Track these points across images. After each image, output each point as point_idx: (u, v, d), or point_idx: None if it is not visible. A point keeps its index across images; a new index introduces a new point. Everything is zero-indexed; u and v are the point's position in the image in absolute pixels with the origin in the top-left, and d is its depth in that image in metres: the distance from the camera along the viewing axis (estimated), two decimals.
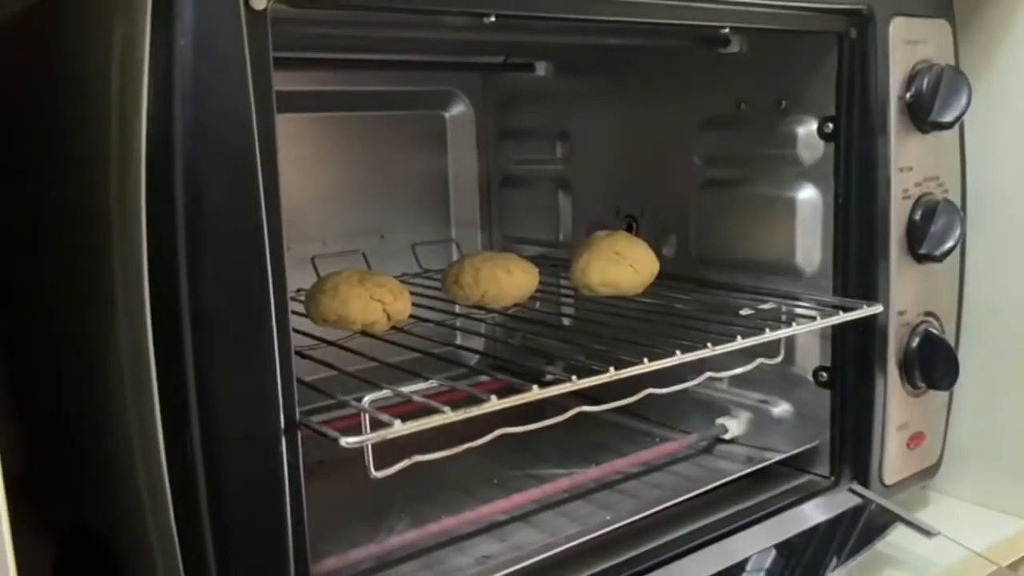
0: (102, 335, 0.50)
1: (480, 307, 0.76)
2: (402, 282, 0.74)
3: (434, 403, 0.51)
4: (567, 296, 0.86)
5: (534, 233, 1.01)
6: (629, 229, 0.89)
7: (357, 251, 0.85)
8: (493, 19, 0.53)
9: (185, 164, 0.41)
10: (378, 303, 0.65)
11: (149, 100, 0.42)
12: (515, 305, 0.77)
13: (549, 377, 0.57)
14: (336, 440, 0.47)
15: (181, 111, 0.41)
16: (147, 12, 0.42)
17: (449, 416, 0.50)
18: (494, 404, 0.52)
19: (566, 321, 0.88)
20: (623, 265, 0.75)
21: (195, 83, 0.41)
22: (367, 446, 0.48)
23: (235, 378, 0.44)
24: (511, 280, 0.74)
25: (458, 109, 1.02)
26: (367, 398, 0.51)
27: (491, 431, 0.54)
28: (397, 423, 0.48)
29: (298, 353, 0.51)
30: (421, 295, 0.80)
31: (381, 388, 0.53)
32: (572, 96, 0.95)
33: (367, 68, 0.91)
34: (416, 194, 1.01)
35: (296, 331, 0.49)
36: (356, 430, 0.48)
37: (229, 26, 0.42)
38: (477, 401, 0.52)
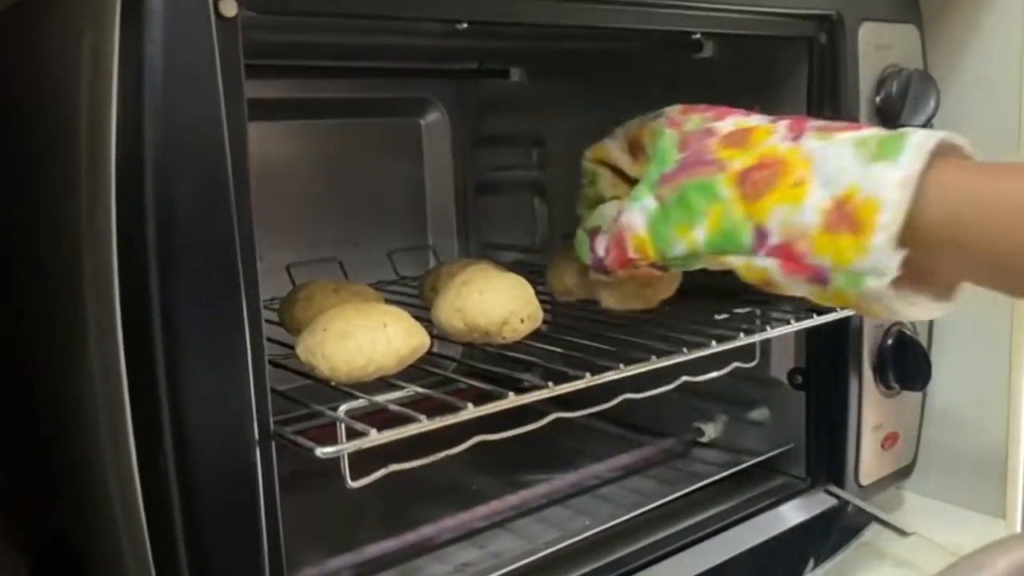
0: (73, 346, 0.49)
1: None
2: (378, 289, 0.74)
3: (410, 412, 0.51)
4: (543, 302, 0.86)
5: (510, 239, 1.01)
6: None
7: (333, 259, 0.84)
8: (465, 26, 0.54)
9: (155, 173, 0.41)
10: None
11: (118, 110, 0.41)
12: None
13: (526, 383, 0.57)
14: (312, 450, 0.47)
15: (151, 120, 0.40)
16: (115, 21, 0.41)
17: (425, 424, 0.50)
18: (471, 412, 0.52)
19: (543, 327, 0.88)
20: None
21: (165, 92, 0.41)
22: (343, 456, 0.48)
23: (208, 388, 0.43)
24: None
25: (433, 116, 1.02)
26: (343, 407, 0.50)
27: (469, 438, 0.54)
28: (373, 432, 0.48)
29: (272, 362, 0.51)
30: (398, 303, 0.79)
31: (356, 397, 0.53)
32: (547, 102, 0.95)
33: (342, 76, 0.91)
34: (392, 201, 1.01)
35: (270, 340, 0.49)
36: (332, 440, 0.48)
37: (199, 34, 0.42)
38: (454, 409, 0.52)
